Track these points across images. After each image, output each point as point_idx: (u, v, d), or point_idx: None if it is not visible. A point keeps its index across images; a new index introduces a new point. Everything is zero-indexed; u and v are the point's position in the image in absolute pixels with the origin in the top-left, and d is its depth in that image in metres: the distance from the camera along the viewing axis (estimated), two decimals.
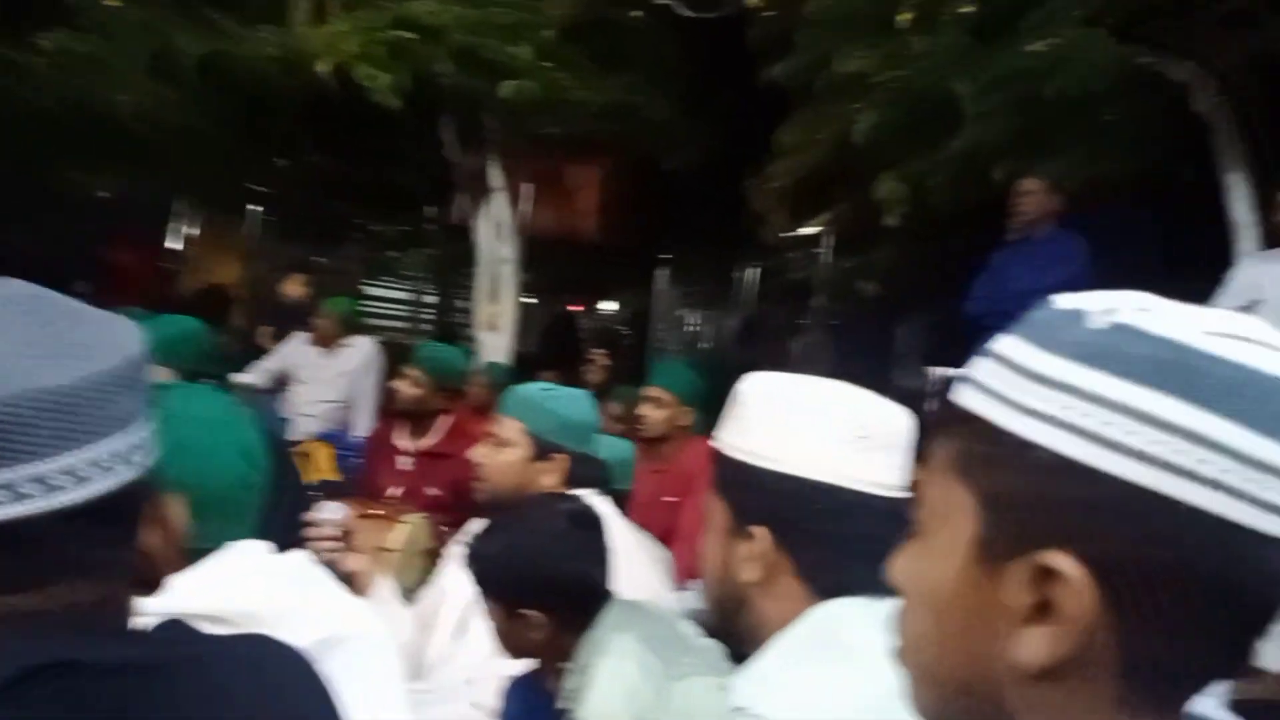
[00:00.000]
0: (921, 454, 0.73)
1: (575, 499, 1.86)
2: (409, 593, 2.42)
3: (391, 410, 4.19)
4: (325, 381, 5.61)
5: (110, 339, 0.74)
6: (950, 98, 4.42)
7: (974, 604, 0.58)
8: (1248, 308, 3.75)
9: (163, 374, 1.86)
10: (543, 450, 2.21)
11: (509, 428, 2.22)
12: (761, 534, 1.12)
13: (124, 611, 0.77)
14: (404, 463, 3.88)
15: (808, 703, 0.99)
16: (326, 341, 5.66)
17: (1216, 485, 0.52)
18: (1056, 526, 0.54)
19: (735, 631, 1.21)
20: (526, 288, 7.83)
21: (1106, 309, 0.56)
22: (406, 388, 3.89)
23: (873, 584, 0.85)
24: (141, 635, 0.76)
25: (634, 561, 2.11)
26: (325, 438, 4.97)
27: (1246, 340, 0.54)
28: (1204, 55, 4.54)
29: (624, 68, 6.10)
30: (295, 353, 5.76)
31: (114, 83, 5.75)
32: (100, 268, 7.89)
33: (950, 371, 3.78)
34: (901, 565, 0.65)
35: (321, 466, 4.43)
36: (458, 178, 7.12)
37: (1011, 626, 0.56)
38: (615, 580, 1.77)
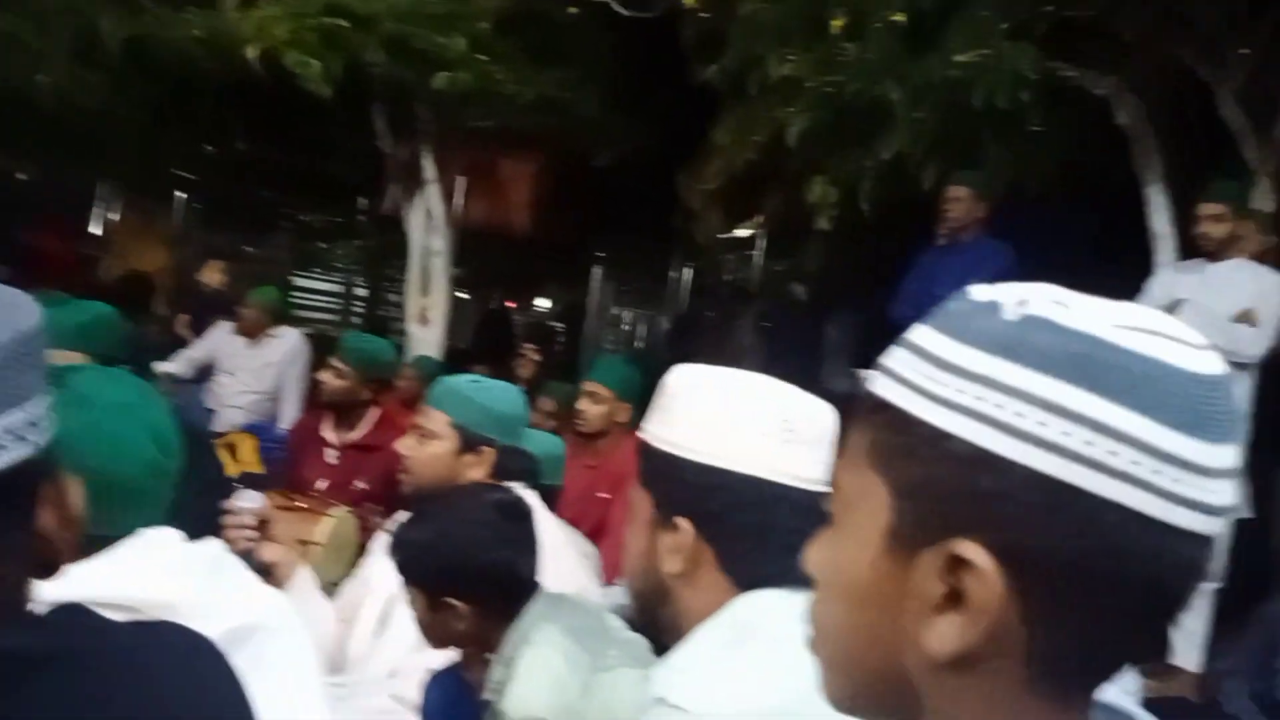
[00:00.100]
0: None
1: (503, 489, 1.85)
2: (333, 586, 2.38)
3: (318, 402, 4.14)
4: (250, 372, 5.52)
5: (3, 315, 0.71)
6: (881, 103, 4.48)
7: (886, 593, 0.59)
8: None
9: (76, 359, 1.80)
10: (470, 443, 2.19)
11: (435, 420, 2.20)
12: (685, 526, 1.13)
13: (19, 595, 0.74)
14: (331, 455, 3.83)
15: (727, 693, 1.00)
16: (252, 332, 5.56)
17: (1125, 477, 0.53)
18: (968, 516, 0.55)
19: (658, 623, 1.21)
20: (460, 282, 7.76)
21: (1020, 301, 0.57)
22: (331, 380, 3.85)
23: (794, 576, 0.85)
24: (37, 620, 0.73)
25: (561, 555, 2.11)
26: (250, 429, 4.89)
27: (1156, 334, 0.55)
28: (1125, 70, 4.66)
29: (558, 62, 6.08)
30: (220, 342, 5.66)
31: (35, 64, 5.59)
32: (19, 252, 7.66)
33: None
34: (815, 554, 0.65)
35: (245, 458, 4.35)
36: (390, 169, 7.04)
37: (922, 616, 0.57)
38: (542, 573, 1.77)
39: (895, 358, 0.60)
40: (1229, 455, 0.55)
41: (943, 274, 4.35)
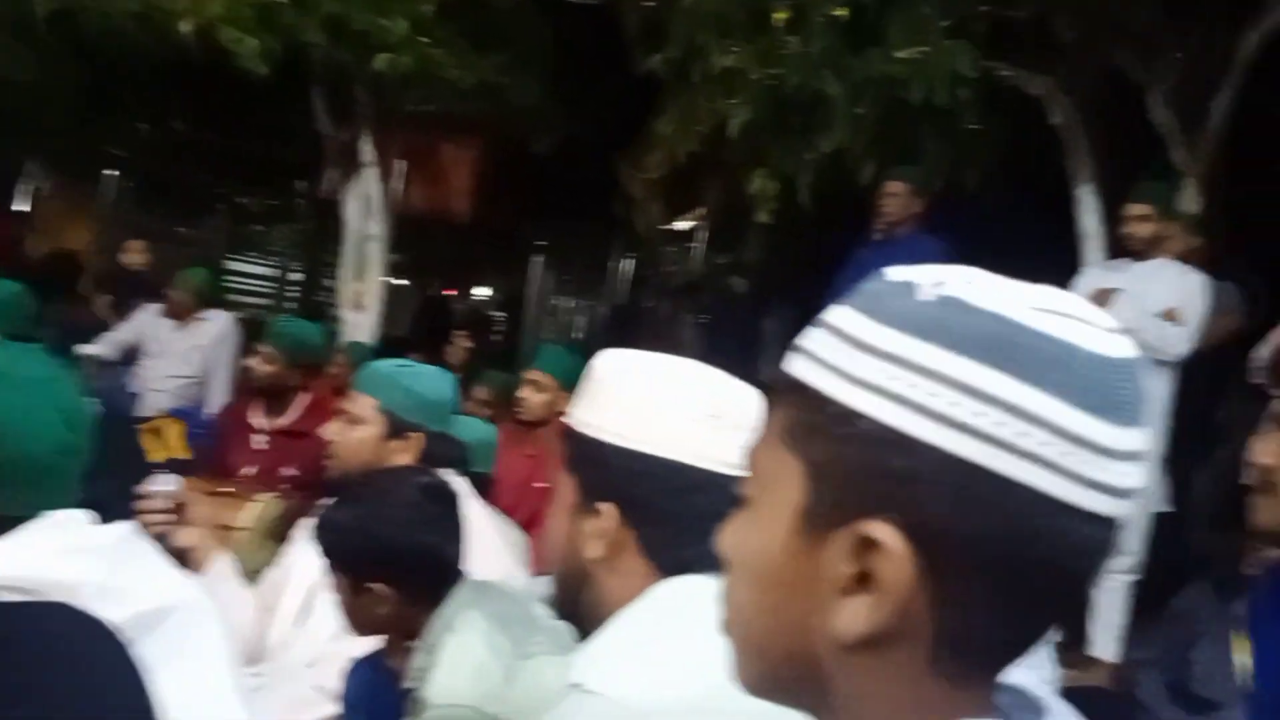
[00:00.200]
0: None
1: (430, 473, 1.83)
2: (259, 574, 2.34)
3: (247, 387, 4.07)
4: (178, 355, 5.41)
5: None
6: (821, 98, 4.50)
7: (796, 574, 0.58)
8: None
9: None
10: (397, 428, 2.17)
11: (362, 404, 2.17)
12: (608, 510, 1.12)
13: None
14: (259, 441, 3.77)
15: (644, 678, 0.99)
16: (180, 314, 5.45)
17: (1034, 458, 0.53)
18: (879, 497, 0.55)
19: (580, 608, 1.20)
20: (399, 269, 7.68)
21: (936, 282, 0.57)
22: (260, 365, 3.79)
23: (717, 562, 0.85)
24: None
25: (488, 542, 2.09)
26: (177, 414, 4.79)
27: (1068, 316, 0.55)
28: (1060, 71, 4.74)
29: (499, 48, 6.04)
30: (146, 324, 5.54)
31: None
32: None
33: None
34: (729, 535, 0.64)
35: (171, 443, 4.27)
36: (328, 152, 6.95)
37: (832, 597, 0.56)
38: (468, 559, 1.75)
39: (812, 337, 0.60)
40: (1136, 438, 0.55)
41: (877, 270, 4.38)
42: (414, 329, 8.84)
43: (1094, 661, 4.04)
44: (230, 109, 6.98)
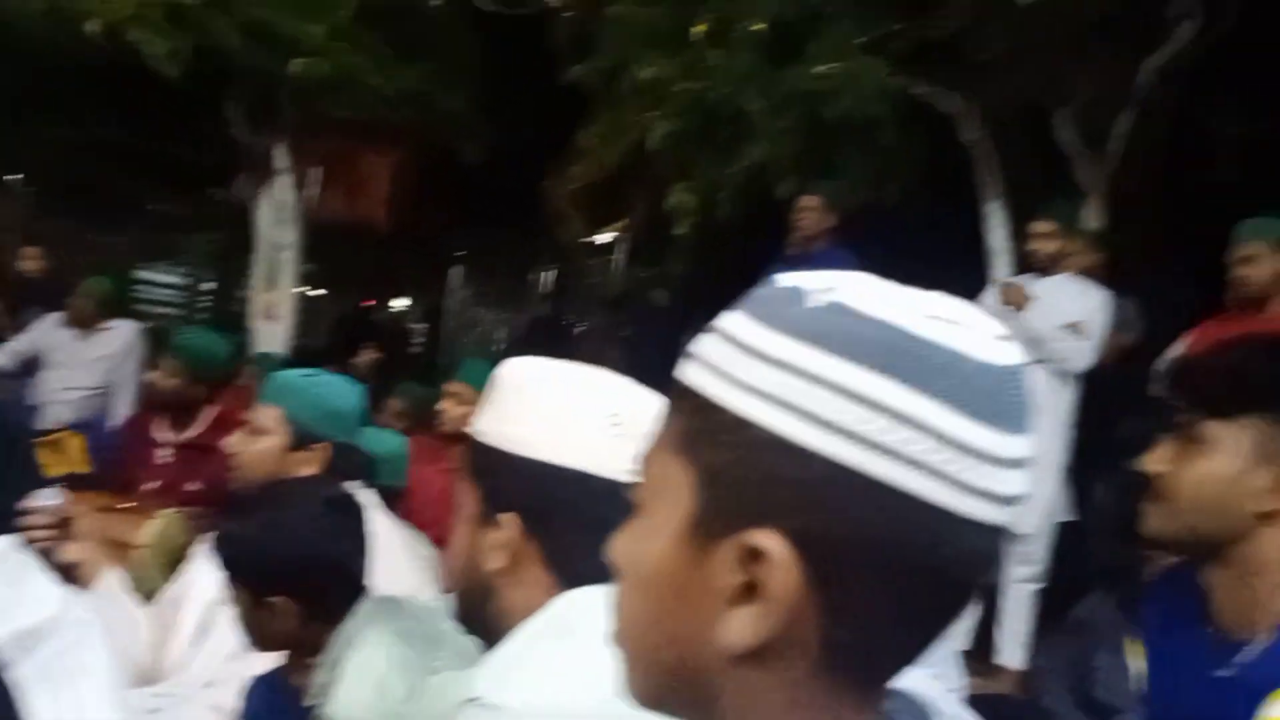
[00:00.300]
0: None
1: (334, 484, 1.79)
2: (159, 592, 2.28)
3: (151, 400, 3.96)
4: (81, 366, 5.24)
5: None
6: (743, 112, 4.55)
7: (685, 584, 0.58)
8: None
9: None
10: (301, 439, 2.12)
11: (266, 415, 2.13)
12: (510, 521, 1.11)
13: None
14: (163, 455, 3.68)
15: (542, 690, 0.98)
16: (83, 323, 5.29)
17: (920, 465, 0.53)
18: (766, 505, 0.54)
19: (481, 621, 1.19)
20: (315, 279, 7.56)
21: (826, 288, 0.57)
22: (161, 378, 3.69)
23: None
24: None
25: (396, 555, 2.06)
26: (79, 426, 4.64)
27: (956, 323, 0.55)
28: (972, 90, 4.86)
29: (421, 56, 5.98)
30: (47, 334, 5.36)
31: None
32: None
33: None
34: (620, 545, 0.63)
35: (72, 457, 4.14)
36: (242, 157, 6.81)
37: (719, 607, 0.56)
38: (373, 573, 1.72)
39: (705, 343, 0.59)
40: (1021, 445, 0.55)
41: None
42: (330, 340, 8.72)
43: (1000, 669, 4.13)
44: (144, 113, 6.80)
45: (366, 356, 6.35)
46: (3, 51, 5.68)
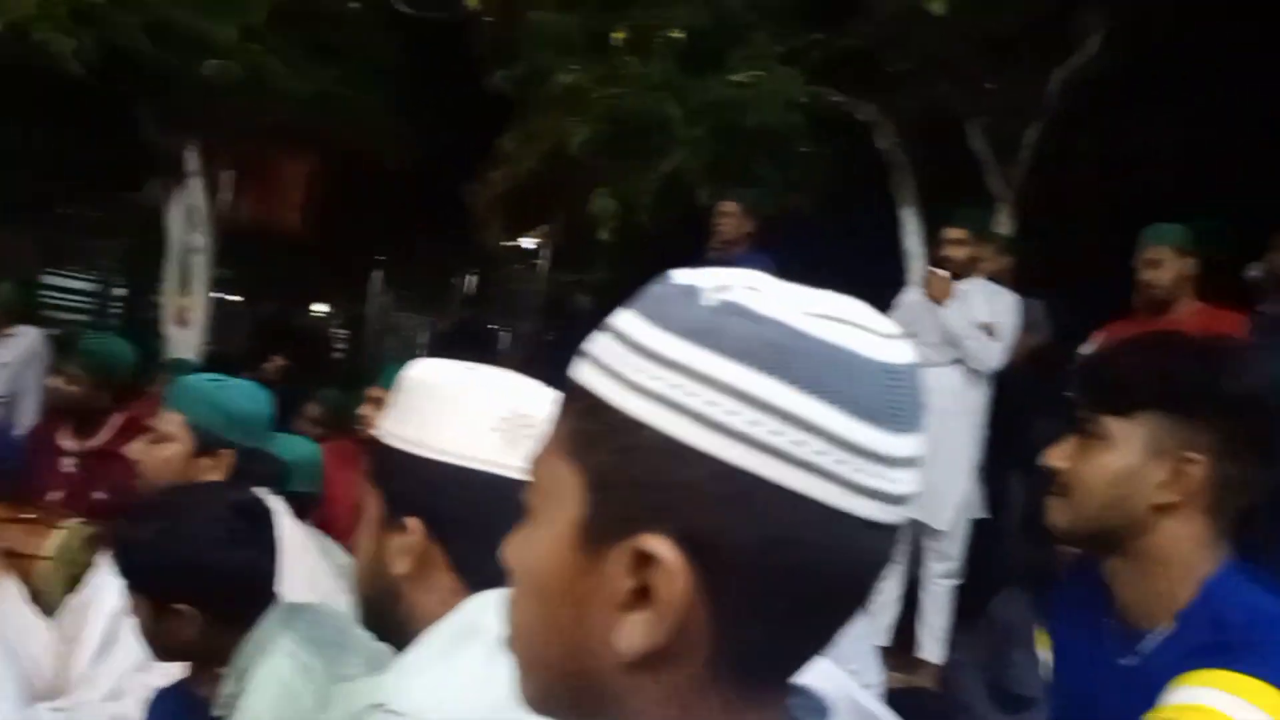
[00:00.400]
0: None
1: (240, 489, 1.75)
2: (62, 604, 2.21)
3: (55, 408, 3.84)
4: None
5: None
6: (660, 119, 4.58)
7: (576, 590, 0.57)
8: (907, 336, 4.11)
9: None
10: (206, 445, 2.07)
11: (170, 421, 2.08)
12: (414, 525, 1.09)
13: None
14: (67, 464, 3.56)
15: (445, 696, 0.97)
16: None
17: (810, 467, 0.52)
18: (657, 509, 0.53)
19: (388, 627, 1.17)
20: (232, 284, 7.41)
21: (719, 287, 0.56)
22: (63, 385, 3.58)
23: None
24: None
25: (306, 562, 2.02)
26: None
27: (847, 322, 0.55)
28: (885, 100, 4.96)
29: (336, 59, 5.90)
30: None
31: None
32: None
33: None
34: (512, 548, 0.62)
35: None
36: (153, 160, 6.65)
37: (611, 614, 0.55)
38: (282, 580, 1.68)
39: (597, 342, 0.58)
40: (912, 444, 0.55)
41: None
42: (248, 346, 8.55)
43: (921, 664, 4.20)
44: (51, 114, 6.60)
45: (276, 362, 6.23)
46: None
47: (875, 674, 2.63)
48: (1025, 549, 3.92)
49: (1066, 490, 1.37)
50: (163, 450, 2.07)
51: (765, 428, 0.52)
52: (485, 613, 1.06)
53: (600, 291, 7.46)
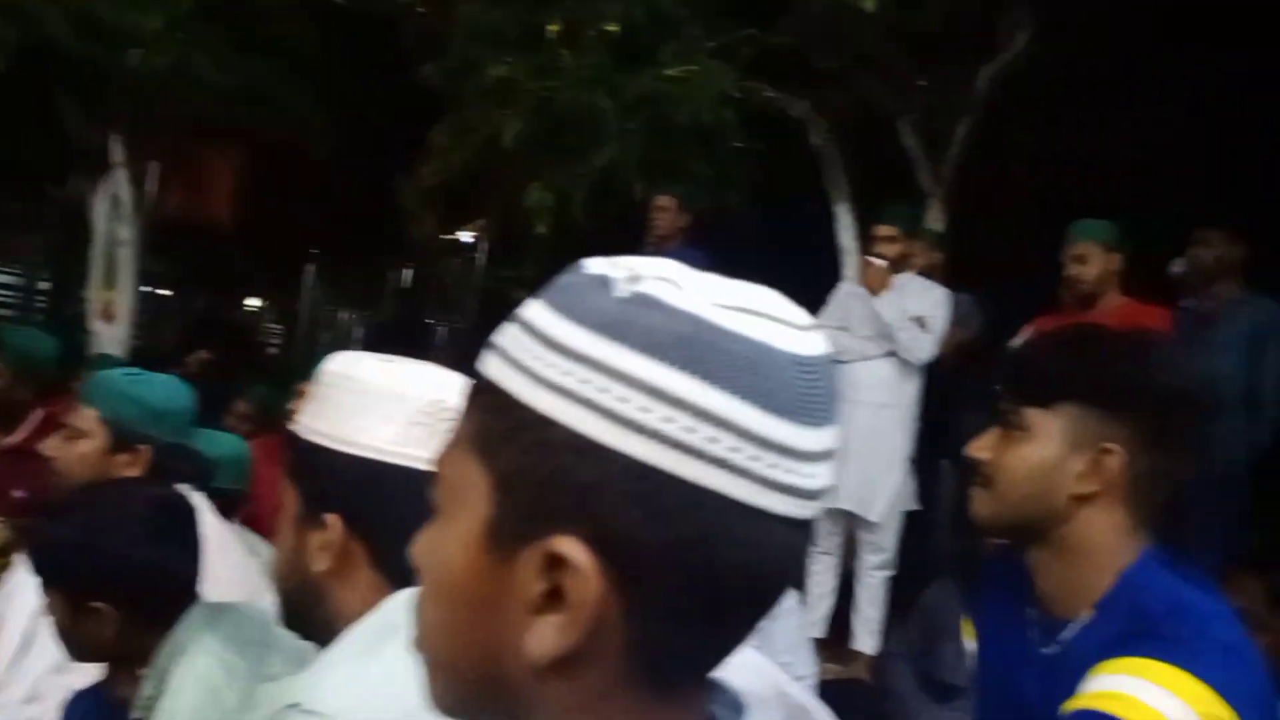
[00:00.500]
0: None
1: (160, 484, 1.71)
2: None
3: None
4: None
5: None
6: (593, 113, 4.57)
7: (485, 592, 0.55)
8: (841, 329, 4.16)
9: None
10: (123, 440, 2.03)
11: (85, 417, 2.03)
12: (333, 521, 1.08)
13: None
14: None
15: (362, 696, 0.96)
16: None
17: (723, 463, 0.51)
18: (567, 509, 0.52)
19: (310, 625, 1.16)
20: (161, 279, 7.26)
21: (631, 277, 0.54)
22: None
23: None
24: None
25: (230, 560, 1.98)
26: None
27: (759, 315, 0.54)
28: (818, 96, 5.00)
29: (263, 50, 5.80)
30: None
31: None
32: None
33: None
34: (420, 548, 0.60)
35: None
36: (77, 153, 6.50)
37: (522, 617, 0.53)
38: (204, 578, 1.65)
39: (506, 334, 0.56)
40: (826, 438, 0.54)
41: None
42: (177, 341, 8.38)
43: (856, 655, 4.24)
44: None
45: (200, 356, 6.11)
46: None
47: (809, 666, 2.65)
48: (954, 540, 3.99)
49: (989, 481, 1.39)
50: (78, 447, 2.02)
51: (677, 424, 0.51)
52: (406, 611, 1.04)
53: (537, 286, 7.41)
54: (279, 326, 10.82)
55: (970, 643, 1.60)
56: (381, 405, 1.07)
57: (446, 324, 9.05)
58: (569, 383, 0.52)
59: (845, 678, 4.00)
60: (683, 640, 0.54)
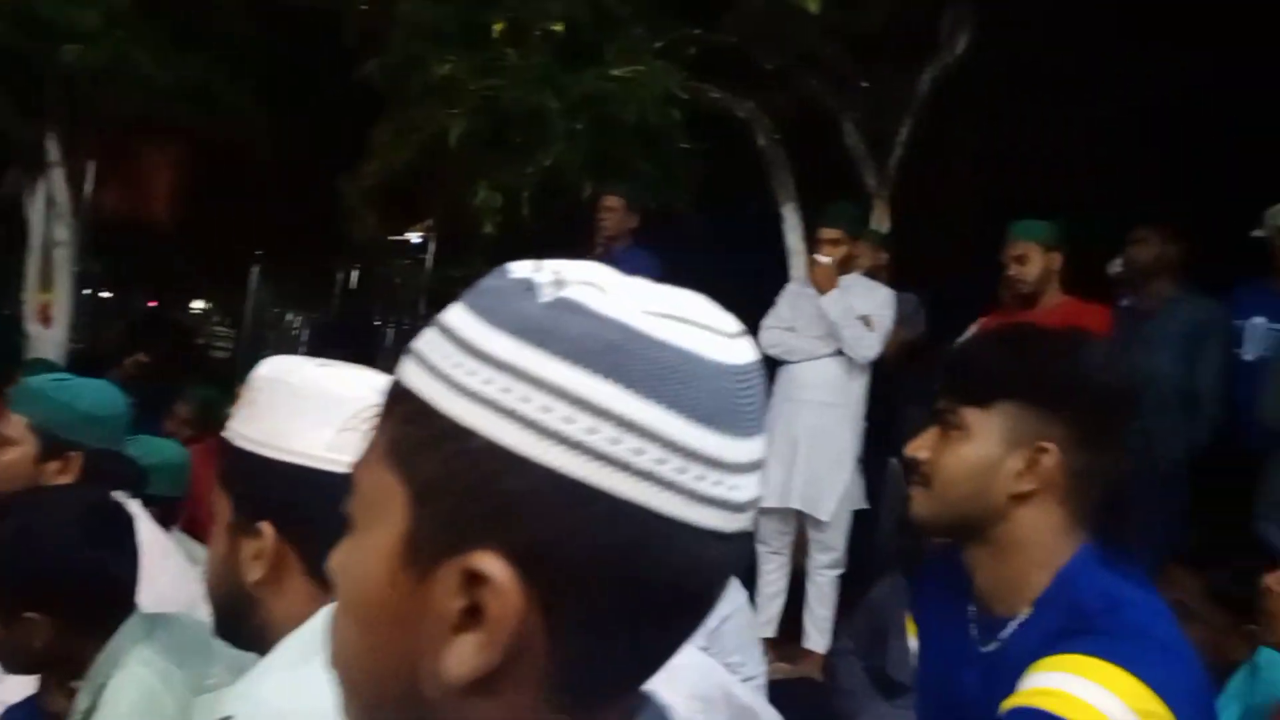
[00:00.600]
0: None
1: (96, 491, 1.68)
2: None
3: None
4: None
5: None
6: (539, 112, 4.56)
7: (403, 610, 0.53)
8: (789, 329, 4.18)
9: None
10: (53, 448, 1.98)
11: (13, 424, 1.99)
12: (266, 529, 1.06)
13: None
14: None
15: (293, 707, 0.94)
16: None
17: (650, 476, 0.50)
18: (487, 523, 0.50)
19: (244, 635, 1.14)
20: (102, 280, 7.12)
21: (556, 282, 0.52)
22: None
23: None
24: None
25: (168, 569, 1.95)
26: None
27: (686, 321, 0.52)
28: (762, 97, 5.03)
29: (204, 46, 5.71)
30: None
31: None
32: None
33: None
34: (336, 562, 0.58)
35: None
36: (12, 151, 6.36)
37: (441, 635, 0.51)
38: (141, 587, 1.62)
39: (426, 339, 0.54)
40: (755, 448, 0.53)
41: None
42: (117, 344, 8.23)
43: (807, 654, 4.26)
44: None
45: (135, 359, 5.99)
46: None
47: (758, 666, 2.66)
48: (900, 539, 4.03)
49: (927, 481, 1.40)
50: (6, 455, 1.98)
51: (602, 435, 0.49)
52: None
53: None
54: (225, 329, 10.66)
55: (913, 641, 1.61)
56: (315, 410, 1.05)
57: (394, 325, 8.98)
58: (490, 391, 0.50)
59: (796, 677, 4.02)
60: (608, 656, 0.53)
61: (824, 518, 4.20)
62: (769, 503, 4.20)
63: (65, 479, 1.96)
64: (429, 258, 8.64)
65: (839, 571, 4.30)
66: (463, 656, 0.51)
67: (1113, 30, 5.24)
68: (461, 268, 7.41)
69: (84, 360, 6.17)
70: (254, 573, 1.07)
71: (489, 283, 0.54)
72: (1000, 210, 4.17)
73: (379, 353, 7.99)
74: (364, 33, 5.15)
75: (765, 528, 4.28)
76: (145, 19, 5.41)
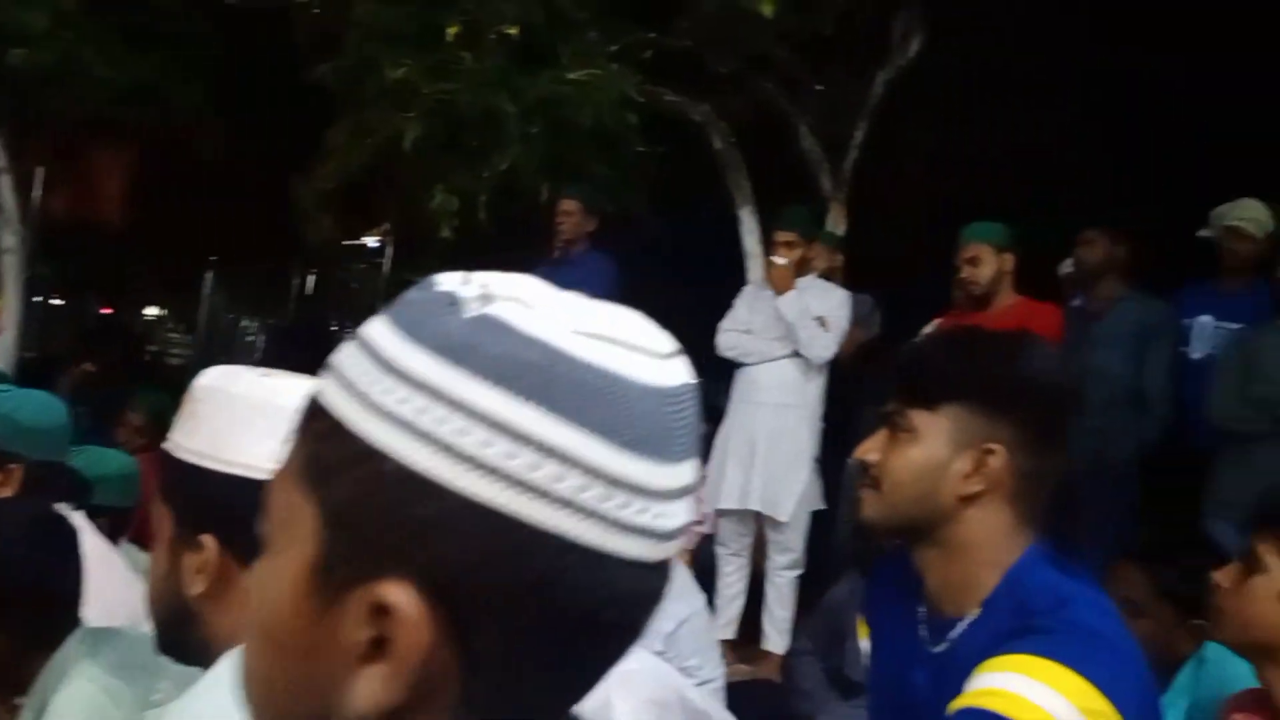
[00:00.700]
0: None
1: (39, 504, 1.65)
2: None
3: None
4: None
5: None
6: (494, 116, 4.54)
7: (309, 638, 0.50)
8: (746, 331, 4.20)
9: None
10: None
11: None
12: (208, 542, 1.04)
13: None
14: None
15: None
16: None
17: (571, 505, 0.48)
18: (397, 550, 0.48)
19: (186, 650, 1.12)
20: (53, 286, 7.00)
21: (482, 296, 0.50)
22: None
23: None
24: None
25: (114, 582, 1.91)
26: None
27: (615, 342, 0.50)
28: (718, 101, 5.04)
29: (155, 47, 5.62)
30: None
31: None
32: None
33: None
34: (249, 582, 0.57)
35: None
36: None
37: (348, 666, 0.49)
38: (86, 601, 1.59)
39: (344, 353, 0.51)
40: (684, 474, 0.51)
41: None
42: (70, 351, 8.09)
43: (766, 655, 4.28)
44: None
45: (82, 368, 5.89)
46: None
47: (716, 669, 2.66)
48: (855, 539, 4.05)
49: (877, 483, 1.41)
50: None
51: (520, 460, 0.47)
52: None
53: None
54: (180, 335, 10.53)
55: (864, 642, 1.62)
56: (258, 421, 1.03)
57: (352, 329, 8.91)
58: (405, 411, 0.48)
59: (754, 679, 4.03)
60: (524, 688, 0.51)
61: (783, 519, 4.22)
62: (728, 504, 4.22)
63: (6, 492, 1.92)
64: (386, 261, 8.59)
65: (798, 572, 4.32)
66: (369, 689, 0.49)
67: (1063, 34, 5.31)
68: (419, 271, 7.38)
69: (34, 368, 6.07)
70: (196, 586, 1.06)
71: (413, 295, 0.52)
72: (954, 212, 4.22)
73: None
74: (318, 34, 5.09)
75: (724, 529, 4.29)
76: (95, 19, 5.32)
